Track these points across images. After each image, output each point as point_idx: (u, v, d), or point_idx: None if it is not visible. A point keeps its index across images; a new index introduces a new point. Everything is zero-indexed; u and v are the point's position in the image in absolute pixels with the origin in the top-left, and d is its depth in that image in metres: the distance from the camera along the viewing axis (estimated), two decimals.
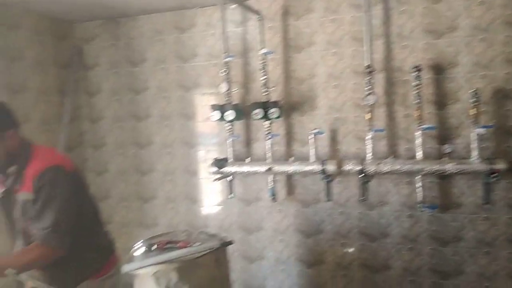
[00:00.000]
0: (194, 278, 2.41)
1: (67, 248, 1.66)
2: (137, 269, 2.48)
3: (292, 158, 3.34)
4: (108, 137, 4.08)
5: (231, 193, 3.63)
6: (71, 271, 1.76)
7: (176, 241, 2.70)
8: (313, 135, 3.21)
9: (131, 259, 2.62)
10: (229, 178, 3.57)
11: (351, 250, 3.43)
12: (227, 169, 3.46)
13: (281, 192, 3.55)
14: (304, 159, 3.32)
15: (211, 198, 3.83)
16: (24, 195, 1.67)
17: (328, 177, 3.22)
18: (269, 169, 3.31)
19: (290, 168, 3.28)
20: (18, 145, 1.68)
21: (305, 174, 3.34)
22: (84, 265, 1.79)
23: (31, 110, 3.60)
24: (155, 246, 2.68)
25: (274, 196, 3.46)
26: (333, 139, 3.38)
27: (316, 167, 3.17)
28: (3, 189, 1.73)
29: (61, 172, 1.68)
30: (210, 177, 3.67)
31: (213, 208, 3.83)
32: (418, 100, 2.96)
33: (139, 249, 2.69)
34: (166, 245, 2.66)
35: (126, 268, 2.35)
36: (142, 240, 2.87)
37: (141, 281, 2.54)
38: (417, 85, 2.96)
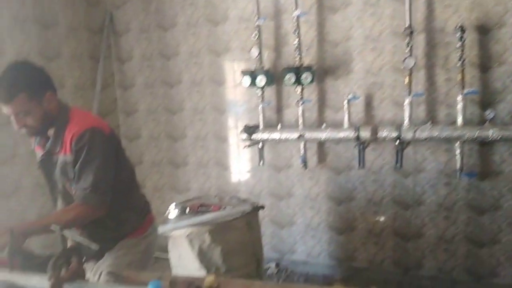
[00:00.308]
0: (226, 241, 2.46)
1: (106, 208, 1.69)
2: (171, 230, 2.56)
3: (324, 125, 3.26)
4: (140, 104, 4.11)
5: (261, 160, 3.62)
6: (110, 230, 1.81)
7: (208, 205, 2.75)
8: (347, 101, 3.11)
9: (165, 221, 2.70)
10: (259, 145, 3.55)
11: (382, 219, 3.38)
12: (257, 135, 3.44)
13: (312, 159, 3.51)
14: (336, 125, 3.24)
15: (242, 164, 3.83)
16: (63, 157, 1.70)
17: (362, 144, 3.14)
18: (301, 136, 3.26)
19: (322, 135, 3.21)
20: (56, 108, 1.70)
21: (338, 141, 3.27)
22: (121, 225, 1.82)
23: (65, 76, 3.65)
24: (188, 209, 2.74)
25: (305, 163, 3.43)
26: (369, 105, 3.27)
27: (350, 133, 3.09)
28: (44, 151, 1.75)
29: (99, 134, 1.69)
30: (240, 143, 3.67)
31: (244, 175, 3.84)
32: (461, 63, 2.80)
33: (172, 212, 2.75)
34: (199, 208, 2.71)
35: (160, 229, 2.42)
36: (175, 203, 2.94)
37: (175, 242, 2.62)
38: (460, 46, 2.78)
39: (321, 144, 3.46)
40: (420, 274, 3.31)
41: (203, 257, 2.42)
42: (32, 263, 1.54)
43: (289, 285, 1.35)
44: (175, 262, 2.60)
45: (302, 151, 3.39)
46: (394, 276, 3.37)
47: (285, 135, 3.33)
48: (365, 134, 3.06)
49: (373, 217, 3.42)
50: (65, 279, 1.35)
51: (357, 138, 3.08)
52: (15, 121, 1.64)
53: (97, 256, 1.79)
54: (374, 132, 3.07)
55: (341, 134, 3.14)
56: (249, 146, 3.51)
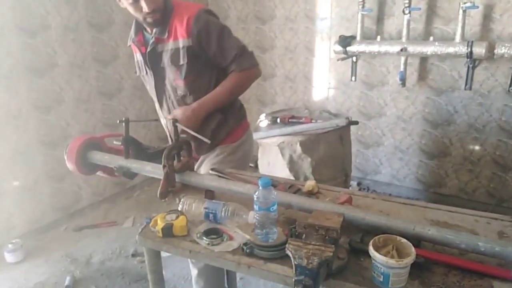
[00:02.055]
0: (317, 152, 2.44)
1: (259, 68, 1.71)
2: (262, 138, 2.59)
3: (432, 38, 2.93)
4: (230, 11, 4.01)
5: (353, 75, 3.42)
6: (209, 134, 1.73)
7: (299, 117, 2.70)
8: (462, 10, 2.72)
9: (257, 129, 2.73)
10: (354, 59, 3.33)
11: (481, 146, 3.11)
12: (353, 48, 3.21)
13: (412, 76, 3.24)
14: (445, 39, 2.90)
15: (331, 79, 3.67)
16: (174, 43, 1.63)
17: (474, 62, 2.80)
18: (403, 49, 2.97)
19: (428, 49, 2.90)
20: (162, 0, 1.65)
21: (445, 57, 2.94)
22: (219, 127, 1.78)
23: None
24: (279, 120, 2.72)
25: (403, 80, 3.17)
26: (487, 17, 2.84)
27: (461, 48, 2.75)
28: (152, 40, 1.67)
29: (211, 12, 1.68)
30: (333, 56, 3.47)
31: (333, 90, 3.69)
32: None
33: (263, 121, 2.76)
34: (290, 119, 2.69)
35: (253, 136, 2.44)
36: (265, 114, 2.94)
37: (265, 150, 2.66)
38: None
39: (424, 60, 3.15)
40: None
41: (292, 166, 2.45)
42: (143, 153, 1.64)
43: (388, 197, 1.29)
44: (264, 169, 2.66)
45: (402, 67, 3.12)
46: (485, 207, 3.18)
47: (384, 48, 3.06)
48: (479, 50, 2.70)
49: (472, 143, 3.16)
50: (177, 169, 1.42)
51: (469, 54, 2.73)
52: (146, 4, 1.55)
53: (204, 147, 1.77)
54: (490, 48, 2.70)
55: (451, 49, 2.81)
56: (342, 59, 3.31)
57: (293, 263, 0.88)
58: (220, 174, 1.56)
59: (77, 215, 3.24)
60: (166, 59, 1.67)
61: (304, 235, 0.97)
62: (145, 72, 1.78)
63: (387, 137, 3.55)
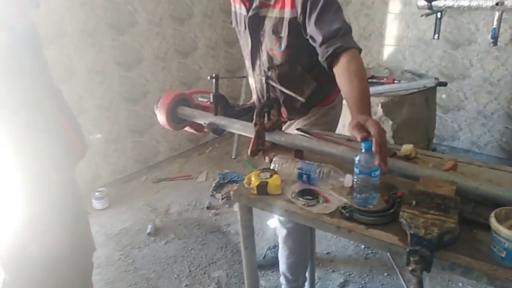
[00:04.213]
0: (399, 115, 2.33)
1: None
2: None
3: None
4: None
5: (436, 33, 3.17)
6: (306, 96, 1.63)
7: (379, 77, 2.58)
8: None
9: None
10: (438, 14, 3.07)
11: None
12: (440, 2, 2.95)
13: (504, 35, 2.94)
14: None
15: (411, 37, 3.43)
16: (280, 12, 1.49)
17: None
18: (499, 3, 2.68)
19: None
20: None
21: None
22: (316, 94, 1.67)
23: None
24: None
25: (495, 38, 2.89)
26: None
27: None
28: (255, 5, 1.53)
29: None
30: (414, 12, 3.22)
31: (411, 49, 3.47)
32: None
33: None
34: (369, 79, 2.57)
35: None
36: None
37: (343, 112, 2.59)
38: None
39: None
40: None
41: None
42: (230, 110, 1.65)
43: (497, 165, 1.19)
44: (339, 131, 2.59)
45: (495, 23, 2.84)
46: None
47: (476, 2, 2.79)
48: None
49: None
50: (267, 128, 1.41)
51: None
52: None
53: (297, 113, 1.73)
54: None
55: None
56: (426, 15, 3.06)
57: (408, 232, 0.86)
58: (305, 135, 1.54)
59: (155, 168, 3.43)
60: (268, 26, 1.54)
61: (414, 203, 0.93)
62: (243, 28, 1.64)
63: (470, 101, 3.31)
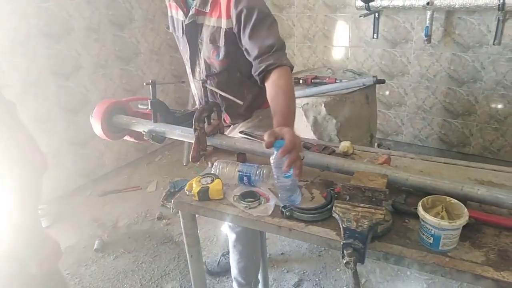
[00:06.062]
0: (342, 113, 2.39)
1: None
2: None
3: None
4: None
5: (375, 32, 3.30)
6: (248, 101, 1.65)
7: (322, 77, 2.63)
8: None
9: None
10: (376, 15, 3.19)
11: (504, 105, 3.01)
12: (376, 3, 3.07)
13: (437, 32, 3.11)
14: None
15: (352, 37, 3.54)
16: (217, 20, 1.46)
17: (505, 15, 2.66)
18: (430, 2, 2.83)
19: (456, 1, 2.76)
20: None
21: (474, 10, 2.80)
22: (258, 96, 1.63)
23: None
24: (302, 81, 2.65)
25: (428, 36, 3.05)
26: None
27: (492, 0, 2.61)
28: (191, 13, 1.49)
29: None
30: (354, 13, 3.33)
31: (353, 49, 3.58)
32: None
33: None
34: (313, 80, 2.61)
35: None
36: None
37: None
38: None
39: (450, 14, 3.01)
40: None
41: (316, 128, 2.40)
42: (171, 117, 1.61)
43: (428, 157, 1.25)
44: None
45: (427, 22, 2.99)
46: None
47: (409, 2, 2.93)
48: None
49: (499, 100, 3.07)
50: (208, 132, 1.39)
51: (501, 6, 2.59)
52: None
53: (241, 117, 1.71)
54: None
55: (481, 1, 2.67)
56: (365, 15, 3.18)
57: (341, 226, 0.87)
58: (249, 138, 1.53)
59: (101, 181, 3.28)
60: (206, 35, 1.50)
61: (347, 197, 0.94)
62: (181, 34, 1.60)
63: (410, 97, 3.46)
